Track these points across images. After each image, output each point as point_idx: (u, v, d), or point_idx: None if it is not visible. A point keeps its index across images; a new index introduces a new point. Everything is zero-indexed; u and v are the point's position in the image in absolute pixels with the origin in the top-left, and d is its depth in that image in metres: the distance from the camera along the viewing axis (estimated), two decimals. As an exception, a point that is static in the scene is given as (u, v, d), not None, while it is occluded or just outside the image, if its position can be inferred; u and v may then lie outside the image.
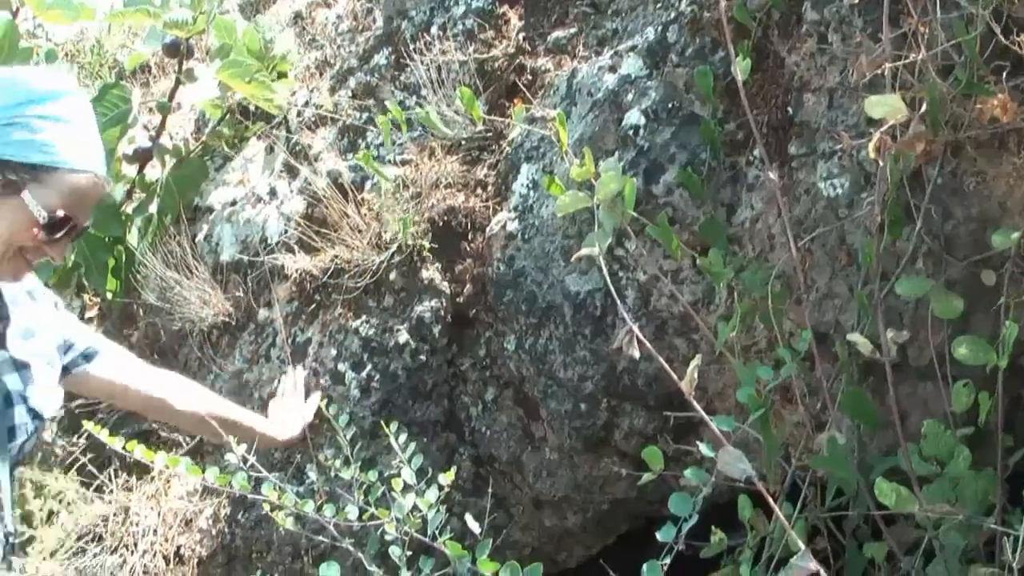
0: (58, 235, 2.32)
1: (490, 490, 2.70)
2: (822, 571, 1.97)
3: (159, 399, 2.90)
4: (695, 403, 2.14)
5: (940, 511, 2.11)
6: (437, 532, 2.25)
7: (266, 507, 2.25)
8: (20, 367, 2.43)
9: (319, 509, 2.27)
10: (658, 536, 2.27)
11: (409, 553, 2.30)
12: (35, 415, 2.43)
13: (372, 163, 3.32)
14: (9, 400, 2.36)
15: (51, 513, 3.89)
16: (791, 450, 2.60)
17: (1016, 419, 2.31)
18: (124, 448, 2.58)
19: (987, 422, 2.23)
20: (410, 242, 3.31)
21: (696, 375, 2.14)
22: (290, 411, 3.32)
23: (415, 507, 2.21)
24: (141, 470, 3.76)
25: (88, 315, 4.45)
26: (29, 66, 2.30)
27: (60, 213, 2.28)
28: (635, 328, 2.38)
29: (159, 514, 3.69)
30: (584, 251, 2.62)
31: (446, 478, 2.28)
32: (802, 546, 1.99)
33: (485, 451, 3.33)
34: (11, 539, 2.39)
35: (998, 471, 2.23)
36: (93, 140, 2.38)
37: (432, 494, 2.22)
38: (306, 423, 3.29)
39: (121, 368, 2.83)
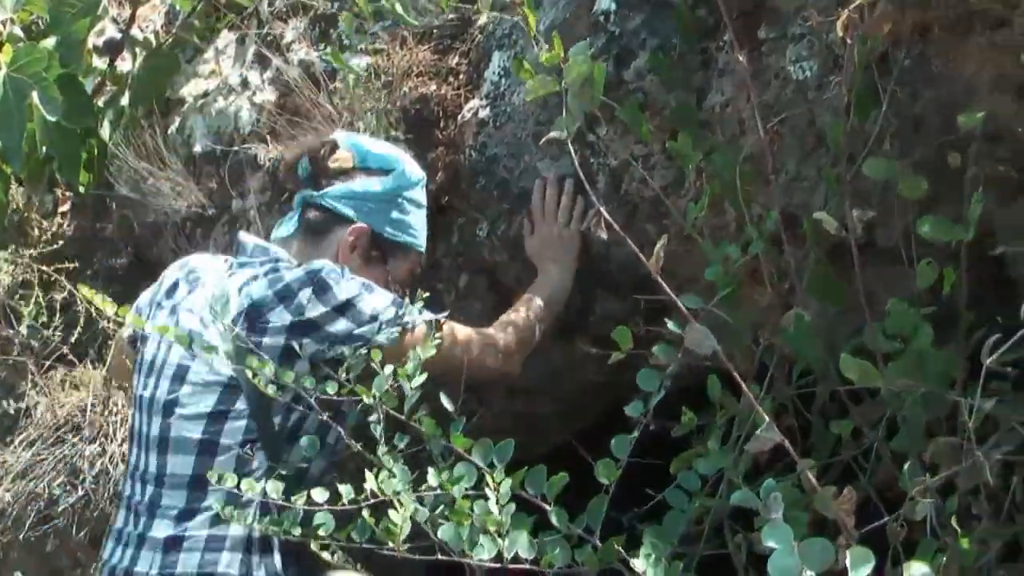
0: None
1: (463, 376, 2.71)
2: (787, 443, 2.01)
3: None
4: (663, 283, 2.15)
5: (903, 385, 2.15)
6: (411, 412, 2.29)
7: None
8: None
9: (298, 380, 2.31)
10: (626, 411, 2.31)
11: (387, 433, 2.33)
12: None
13: (340, 59, 3.32)
14: None
15: (27, 407, 3.91)
16: (760, 332, 2.63)
17: (981, 299, 2.34)
18: (116, 313, 2.55)
19: (952, 301, 2.26)
20: (384, 133, 3.30)
21: (663, 254, 2.15)
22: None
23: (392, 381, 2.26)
24: (120, 363, 3.77)
25: (61, 209, 4.44)
26: (388, 144, 2.88)
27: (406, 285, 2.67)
28: (603, 209, 2.40)
29: (138, 405, 3.72)
30: (553, 134, 2.61)
31: (424, 350, 2.32)
32: (767, 419, 2.02)
33: (459, 338, 3.35)
34: None
35: (960, 348, 2.27)
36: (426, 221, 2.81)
37: (410, 367, 2.26)
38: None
39: None
